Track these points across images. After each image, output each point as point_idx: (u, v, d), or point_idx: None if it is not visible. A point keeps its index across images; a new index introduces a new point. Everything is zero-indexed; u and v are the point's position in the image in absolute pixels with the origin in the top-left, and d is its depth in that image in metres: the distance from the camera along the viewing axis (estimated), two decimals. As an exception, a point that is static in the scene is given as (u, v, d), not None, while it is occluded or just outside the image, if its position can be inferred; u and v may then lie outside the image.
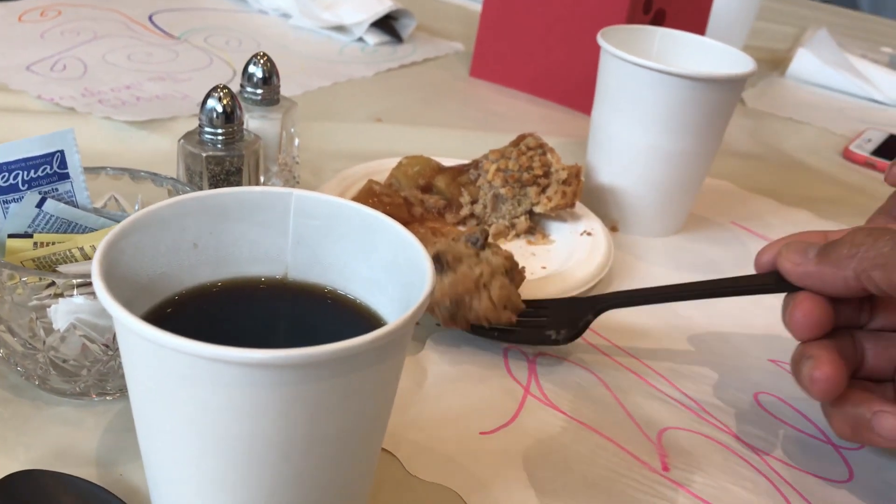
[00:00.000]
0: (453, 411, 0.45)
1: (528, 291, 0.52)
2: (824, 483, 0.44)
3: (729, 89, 0.60)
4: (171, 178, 0.47)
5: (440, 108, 0.85)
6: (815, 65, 1.08)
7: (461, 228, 0.61)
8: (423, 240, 0.40)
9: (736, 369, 0.52)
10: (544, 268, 0.58)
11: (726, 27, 1.02)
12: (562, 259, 0.59)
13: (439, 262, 0.47)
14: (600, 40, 0.62)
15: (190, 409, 0.27)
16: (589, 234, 0.60)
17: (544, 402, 0.46)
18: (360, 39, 0.99)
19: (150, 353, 0.27)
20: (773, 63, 1.14)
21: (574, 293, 0.54)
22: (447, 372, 0.47)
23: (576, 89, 0.86)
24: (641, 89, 0.60)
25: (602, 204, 0.65)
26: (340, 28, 0.99)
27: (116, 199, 0.47)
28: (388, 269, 0.34)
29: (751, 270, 0.58)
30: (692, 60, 0.66)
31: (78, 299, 0.38)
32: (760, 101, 1.00)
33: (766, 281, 0.46)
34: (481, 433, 0.43)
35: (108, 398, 0.42)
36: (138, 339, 0.27)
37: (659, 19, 0.87)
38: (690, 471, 0.43)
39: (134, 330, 0.26)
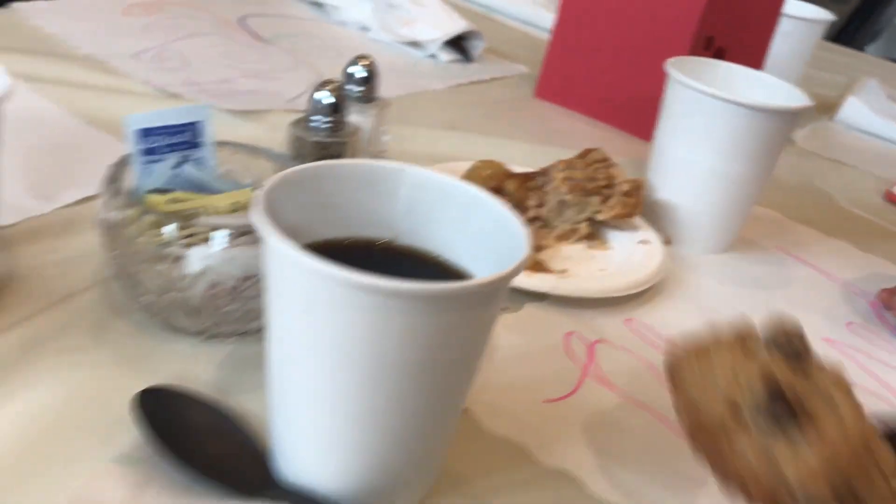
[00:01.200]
0: (520, 380, 0.50)
1: (587, 291, 0.57)
2: None
3: (784, 120, 0.65)
4: (283, 155, 0.53)
5: (507, 122, 0.91)
6: (863, 112, 1.13)
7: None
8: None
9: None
10: (602, 270, 0.64)
11: (779, 71, 1.06)
12: (619, 263, 0.64)
13: (782, 406, 0.28)
14: (669, 69, 0.68)
15: (329, 328, 0.33)
16: (646, 243, 0.66)
17: (602, 381, 0.51)
18: (433, 56, 1.05)
19: (304, 279, 0.32)
20: (823, 108, 1.19)
21: (628, 293, 0.59)
22: (515, 348, 0.52)
23: (635, 115, 0.92)
24: (704, 115, 0.65)
25: (658, 219, 0.70)
26: (415, 44, 1.05)
27: (233, 171, 0.53)
28: (487, 241, 0.39)
29: (791, 292, 0.63)
30: (750, 93, 0.71)
31: (210, 247, 0.44)
32: (809, 142, 1.05)
33: None
34: (544, 401, 0.49)
35: (221, 340, 0.47)
36: (297, 267, 0.32)
37: (718, 56, 0.92)
38: (731, 451, 0.48)
39: (296, 259, 0.32)
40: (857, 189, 0.94)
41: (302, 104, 0.61)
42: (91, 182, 0.59)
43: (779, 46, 1.07)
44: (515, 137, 0.86)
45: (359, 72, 0.62)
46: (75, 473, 0.37)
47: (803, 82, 1.18)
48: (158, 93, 0.77)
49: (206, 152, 0.49)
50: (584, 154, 0.68)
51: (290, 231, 0.39)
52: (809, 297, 0.67)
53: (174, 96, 0.76)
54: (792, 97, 0.69)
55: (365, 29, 1.09)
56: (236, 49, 0.93)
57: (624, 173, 0.67)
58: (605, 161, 0.67)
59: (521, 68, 1.10)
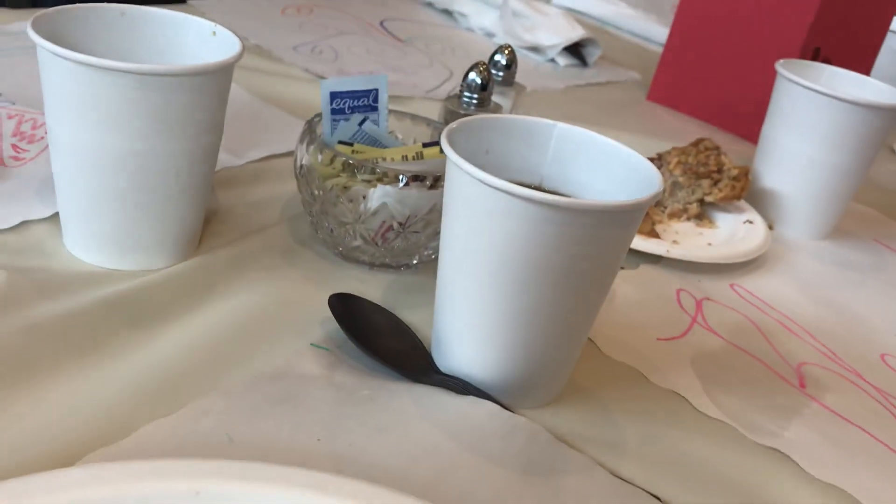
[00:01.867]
0: (637, 322, 0.58)
1: (697, 256, 0.64)
2: (934, 419, 0.54)
3: (882, 117, 0.71)
4: (439, 122, 0.62)
5: (620, 118, 0.99)
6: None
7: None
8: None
9: (865, 335, 0.62)
10: (710, 244, 0.71)
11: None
12: (724, 238, 0.71)
13: None
14: (779, 67, 0.75)
15: (498, 235, 0.41)
16: (751, 222, 0.72)
17: (707, 328, 0.59)
18: (552, 60, 1.14)
19: (479, 192, 0.41)
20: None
21: (733, 261, 0.66)
22: (631, 297, 0.60)
23: (741, 118, 0.98)
24: (810, 110, 0.72)
25: (763, 205, 0.77)
26: (536, 49, 1.15)
27: (396, 134, 0.63)
28: (622, 182, 0.47)
29: (885, 276, 0.68)
30: (853, 92, 0.77)
31: (388, 188, 0.53)
32: (911, 153, 1.09)
33: None
34: (658, 339, 0.56)
35: (387, 269, 0.57)
36: (474, 183, 0.41)
37: (825, 66, 0.98)
38: (822, 392, 0.54)
39: (473, 174, 0.41)
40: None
41: (438, 95, 0.70)
42: (269, 144, 0.70)
43: (887, 62, 1.11)
44: (628, 130, 0.94)
45: (502, 59, 0.71)
46: (278, 354, 0.47)
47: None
48: (316, 79, 0.88)
49: (381, 114, 0.59)
50: (697, 143, 0.75)
51: (462, 169, 0.48)
52: (903, 281, 0.73)
53: (331, 82, 0.87)
54: (891, 96, 0.75)
55: (490, 35, 1.19)
56: (378, 47, 1.04)
57: (731, 161, 0.74)
58: (716, 149, 0.74)
59: (634, 75, 1.17)
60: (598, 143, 0.49)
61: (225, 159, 0.66)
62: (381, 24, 1.14)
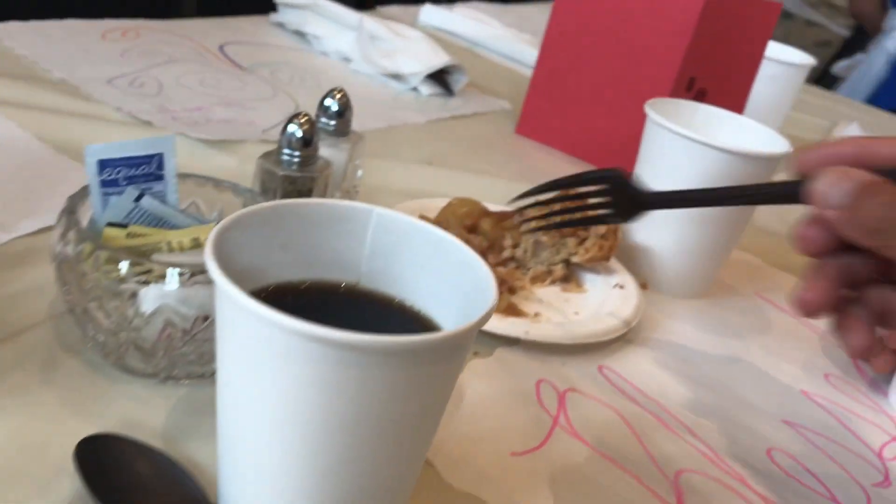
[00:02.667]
0: (487, 431, 0.48)
1: (560, 337, 0.55)
2: (828, 536, 0.46)
3: (762, 166, 0.64)
4: (250, 190, 0.51)
5: (486, 158, 0.90)
6: (844, 157, 1.12)
7: (500, 269, 0.65)
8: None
9: (751, 425, 0.55)
10: (577, 313, 0.62)
11: (763, 113, 1.06)
12: (595, 307, 0.63)
13: None
14: (648, 110, 0.67)
15: (279, 379, 0.31)
16: (621, 287, 0.64)
17: (571, 433, 0.50)
18: (415, 89, 1.04)
19: (252, 327, 0.31)
20: (804, 152, 1.18)
21: (603, 339, 0.58)
22: (483, 396, 0.51)
23: (614, 154, 0.91)
24: (682, 158, 0.64)
25: (635, 262, 0.69)
26: (397, 76, 1.05)
27: (197, 205, 0.51)
28: (452, 286, 0.38)
29: (769, 340, 0.61)
30: (731, 136, 0.70)
31: (167, 286, 0.42)
32: (789, 186, 1.04)
33: (794, 192, 0.41)
34: (512, 454, 0.47)
35: (174, 382, 0.45)
36: (244, 314, 0.31)
37: (700, 97, 0.92)
38: (704, 510, 0.46)
39: (243, 305, 0.30)
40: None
41: (277, 135, 0.60)
42: (54, 212, 0.57)
43: (763, 89, 1.07)
44: (494, 174, 0.85)
45: (333, 105, 0.61)
46: (9, 524, 0.35)
47: (787, 125, 1.18)
48: (130, 119, 0.75)
49: (168, 186, 0.48)
50: None
51: (247, 273, 0.37)
52: (788, 346, 0.66)
53: (145, 123, 0.75)
54: (772, 143, 0.68)
55: (347, 60, 1.08)
56: (214, 76, 0.92)
57: None
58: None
59: (504, 104, 1.09)
60: (423, 235, 0.39)
61: (-17, 235, 0.53)
62: (221, 48, 1.01)
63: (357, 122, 0.88)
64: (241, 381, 0.33)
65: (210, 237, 0.33)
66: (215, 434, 0.36)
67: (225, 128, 0.78)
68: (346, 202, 0.39)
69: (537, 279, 0.65)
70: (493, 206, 0.68)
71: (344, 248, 0.40)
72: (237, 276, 0.35)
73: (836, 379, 0.63)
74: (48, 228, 0.56)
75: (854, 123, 1.21)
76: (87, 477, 0.36)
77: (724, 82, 0.95)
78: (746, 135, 0.70)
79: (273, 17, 1.17)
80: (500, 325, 0.55)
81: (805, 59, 1.12)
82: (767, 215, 0.92)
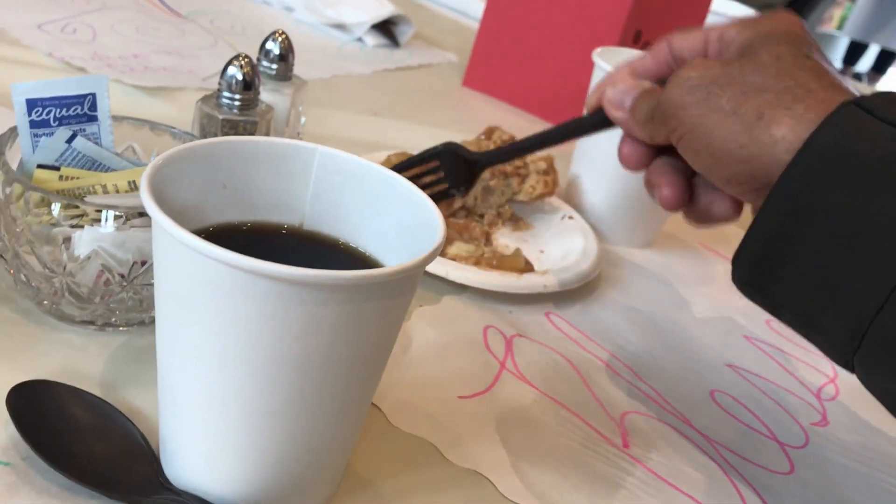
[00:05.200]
0: (435, 376, 0.48)
1: (507, 286, 0.55)
2: (767, 473, 0.47)
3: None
4: (189, 133, 0.49)
5: (433, 110, 0.88)
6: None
7: (455, 220, 0.65)
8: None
9: (694, 368, 0.56)
10: (542, 251, 0.63)
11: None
12: (556, 242, 0.64)
13: None
14: (595, 57, 0.66)
15: (222, 318, 0.30)
16: (571, 217, 0.65)
17: (518, 376, 0.50)
18: (360, 39, 1.02)
19: (192, 264, 0.30)
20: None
21: (581, 284, 0.58)
22: (431, 342, 0.50)
23: (561, 106, 0.90)
24: (629, 106, 0.64)
25: (583, 212, 0.69)
26: (341, 26, 1.02)
27: (134, 149, 0.49)
28: (399, 227, 0.37)
29: (712, 289, 0.62)
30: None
31: (101, 228, 0.40)
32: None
33: (598, 120, 0.50)
34: (459, 397, 0.47)
35: (113, 329, 0.44)
36: (184, 251, 0.30)
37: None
38: (648, 450, 0.47)
39: (182, 240, 0.29)
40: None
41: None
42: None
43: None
44: (440, 126, 0.84)
45: (274, 48, 0.59)
46: (-61, 474, 0.34)
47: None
48: (62, 66, 0.72)
49: (102, 127, 0.46)
50: (489, 134, 0.67)
51: (186, 212, 0.36)
52: (730, 294, 0.67)
53: (79, 70, 0.72)
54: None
55: (289, 9, 1.05)
56: (151, 24, 0.89)
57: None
58: (511, 139, 0.66)
59: (451, 56, 1.07)
60: (369, 173, 0.38)
61: None
62: (159, -5, 0.98)
63: (300, 71, 0.87)
64: (180, 321, 0.32)
65: (145, 173, 0.32)
66: (156, 381, 0.35)
67: (163, 75, 0.76)
68: (289, 140, 0.38)
69: (492, 224, 0.65)
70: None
71: (287, 188, 0.38)
72: (175, 215, 0.34)
73: (777, 324, 0.64)
74: (-24, 175, 0.53)
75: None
76: (20, 423, 0.35)
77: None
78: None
79: (213, -36, 1.13)
80: (446, 270, 0.55)
81: (750, 14, 1.12)
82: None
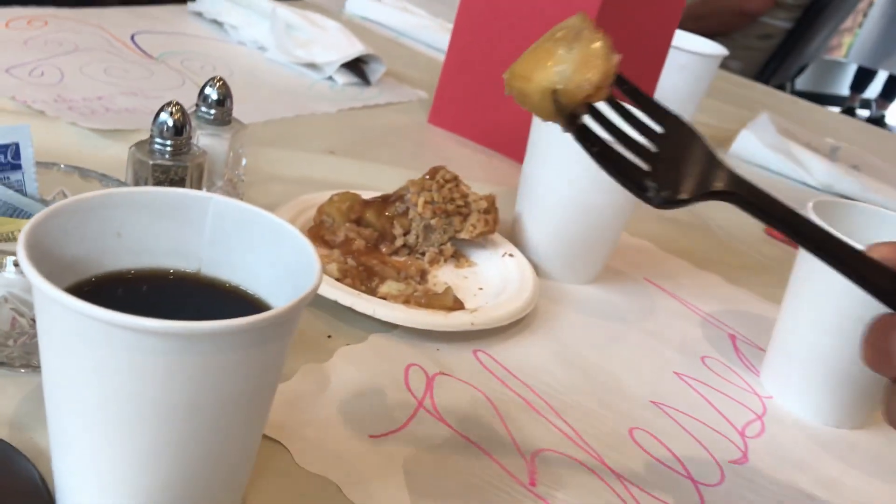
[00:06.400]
0: (349, 414, 0.49)
1: (432, 324, 0.57)
2: (676, 511, 0.48)
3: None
4: (118, 180, 0.51)
5: (394, 148, 0.90)
6: (755, 146, 1.15)
7: (396, 258, 0.66)
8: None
9: (618, 406, 0.56)
10: (481, 289, 0.64)
11: (674, 101, 1.08)
12: (495, 279, 0.66)
13: None
14: (534, 99, 0.68)
15: (89, 369, 0.31)
16: (511, 255, 0.66)
17: (434, 415, 0.51)
18: (330, 78, 1.05)
19: (55, 314, 0.31)
20: (718, 140, 1.21)
21: (510, 321, 0.59)
22: (349, 380, 0.52)
23: (517, 142, 0.92)
24: (564, 145, 0.66)
25: (525, 248, 0.70)
26: (312, 65, 1.05)
27: (65, 194, 0.51)
28: (286, 272, 0.38)
29: (651, 324, 0.63)
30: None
31: (11, 274, 0.42)
32: (699, 174, 1.06)
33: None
34: (370, 436, 0.48)
35: (30, 370, 0.45)
36: (50, 302, 0.31)
37: (606, 87, 0.93)
38: (555, 488, 0.47)
39: (46, 293, 0.31)
40: (738, 222, 0.95)
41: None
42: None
43: (674, 79, 1.09)
44: (397, 164, 0.85)
45: (212, 94, 0.61)
46: None
47: (701, 114, 1.21)
48: (23, 109, 0.75)
49: (25, 175, 0.48)
50: (433, 173, 0.68)
51: (78, 262, 0.37)
52: (670, 330, 0.68)
53: (38, 113, 0.74)
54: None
55: (262, 49, 1.08)
56: (121, 66, 0.91)
57: (471, 191, 0.68)
58: (454, 179, 0.67)
59: (422, 94, 1.09)
60: (261, 221, 0.40)
61: None
62: (132, 37, 1.01)
63: (264, 110, 0.89)
64: (54, 369, 0.33)
65: (25, 228, 0.34)
66: None
67: (123, 117, 0.78)
68: (183, 190, 0.40)
69: (434, 262, 0.66)
70: (367, 194, 0.69)
71: (183, 236, 0.40)
72: (64, 265, 0.36)
73: (712, 361, 0.65)
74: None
75: (764, 113, 1.24)
76: (-84, 465, 0.37)
77: (630, 71, 0.96)
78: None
79: (191, 6, 1.16)
80: (373, 309, 0.56)
81: (717, 50, 1.14)
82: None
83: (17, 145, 0.47)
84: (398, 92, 1.08)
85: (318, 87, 1.02)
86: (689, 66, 1.10)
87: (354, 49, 1.06)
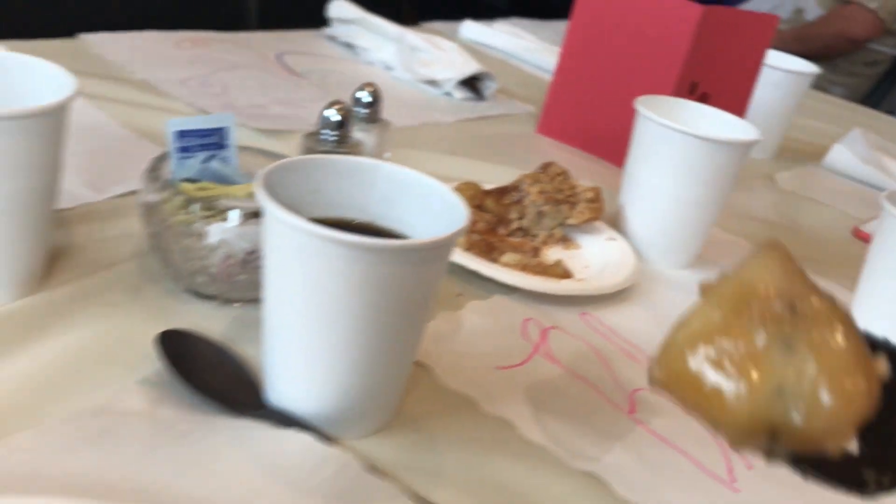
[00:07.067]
0: (479, 351, 0.59)
1: (547, 287, 0.67)
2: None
3: (731, 151, 0.75)
4: (295, 161, 0.63)
5: (506, 152, 1.01)
6: (848, 159, 1.21)
7: (512, 239, 0.77)
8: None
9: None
10: (587, 266, 0.74)
11: (766, 118, 1.16)
12: (599, 259, 0.75)
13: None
14: (637, 105, 0.78)
15: (306, 276, 0.43)
16: (613, 239, 0.76)
17: (548, 358, 0.61)
18: (448, 94, 1.17)
19: (286, 233, 0.43)
20: (811, 155, 1.27)
21: (581, 294, 0.69)
22: (477, 326, 0.62)
23: (618, 149, 1.02)
24: (664, 145, 0.75)
25: (626, 236, 0.80)
26: (433, 82, 1.17)
27: (252, 172, 0.64)
28: (441, 220, 0.49)
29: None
30: (713, 129, 0.81)
31: (228, 223, 0.54)
32: (791, 183, 1.14)
33: None
34: (497, 367, 0.58)
35: (230, 305, 0.58)
36: (281, 225, 0.43)
37: (703, 101, 1.02)
38: (651, 416, 0.57)
39: (278, 215, 0.42)
40: (827, 225, 1.02)
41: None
42: (135, 181, 0.71)
43: (767, 95, 1.16)
44: (510, 164, 0.96)
45: (364, 96, 0.73)
46: (105, 391, 0.48)
47: (793, 130, 1.28)
48: (199, 113, 0.89)
49: (229, 153, 0.60)
50: (545, 168, 0.78)
51: (288, 207, 0.49)
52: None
53: (212, 116, 0.88)
54: (748, 132, 0.78)
55: (389, 68, 1.21)
56: (271, 81, 1.05)
57: (579, 183, 0.78)
58: (563, 173, 0.78)
59: (529, 108, 1.20)
60: (420, 183, 0.51)
61: (84, 194, 0.67)
62: (278, 57, 1.15)
63: (394, 120, 1.01)
64: (278, 277, 0.45)
65: (260, 173, 0.46)
66: (259, 342, 0.48)
67: (280, 121, 0.91)
68: (361, 158, 0.52)
69: (544, 243, 0.77)
70: (488, 185, 0.80)
71: (361, 194, 0.52)
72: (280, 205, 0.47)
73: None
74: (132, 192, 0.69)
75: (856, 129, 1.30)
76: (165, 357, 0.49)
77: (725, 87, 1.05)
78: (725, 127, 0.81)
79: (326, 30, 1.31)
80: (495, 272, 0.67)
81: (808, 68, 1.21)
82: (759, 207, 1.02)
83: (225, 129, 0.60)
84: (508, 106, 1.19)
85: (438, 101, 1.15)
86: (781, 83, 1.17)
87: (470, 67, 1.18)
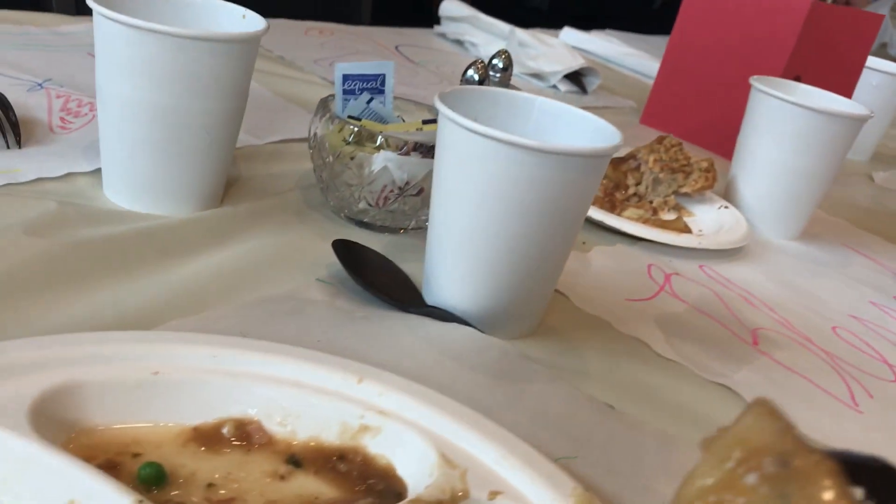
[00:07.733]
0: (609, 285, 0.64)
1: (671, 239, 0.71)
2: (873, 378, 0.60)
3: (843, 124, 0.78)
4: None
5: (614, 137, 1.06)
6: (946, 163, 1.23)
7: (628, 204, 0.81)
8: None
9: (822, 312, 0.69)
10: (701, 230, 0.78)
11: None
12: (713, 224, 0.79)
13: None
14: (753, 80, 0.82)
15: (477, 176, 0.48)
16: (726, 207, 0.80)
17: (673, 296, 0.65)
18: (554, 86, 1.22)
19: (460, 137, 0.48)
20: (908, 158, 1.29)
21: (702, 248, 0.73)
22: (605, 266, 0.67)
23: (723, 138, 1.06)
24: (778, 118, 0.79)
25: (739, 207, 0.84)
26: (539, 75, 1.23)
27: (402, 117, 0.70)
28: (591, 141, 0.55)
29: (849, 270, 0.74)
30: (820, 103, 0.84)
31: (389, 153, 0.60)
32: (889, 181, 1.16)
33: None
34: (627, 299, 0.63)
35: (384, 232, 0.64)
36: (458, 129, 0.48)
37: (805, 93, 1.05)
38: (774, 349, 0.60)
39: (459, 122, 0.48)
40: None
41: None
42: (287, 131, 0.78)
43: (866, 97, 1.19)
44: (620, 145, 1.01)
45: (499, 62, 0.79)
46: (287, 284, 0.54)
47: (893, 128, 1.30)
48: (332, 86, 0.96)
49: (387, 96, 0.67)
50: (660, 140, 0.83)
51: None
52: (864, 275, 0.79)
53: (346, 88, 0.95)
54: (854, 108, 0.82)
55: (497, 62, 1.27)
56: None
57: (691, 154, 0.82)
58: (679, 145, 0.82)
59: (630, 103, 1.25)
60: (572, 113, 0.56)
61: (246, 139, 0.74)
62: (397, 48, 1.23)
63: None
64: (450, 180, 0.50)
65: (440, 93, 0.52)
66: (414, 262, 0.54)
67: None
68: (519, 92, 0.57)
69: (660, 208, 0.81)
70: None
71: (516, 123, 0.57)
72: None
73: (903, 301, 0.76)
74: (285, 141, 0.76)
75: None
76: (340, 259, 0.55)
77: (827, 82, 1.08)
78: (835, 104, 0.84)
79: (437, 28, 1.38)
80: (622, 224, 0.71)
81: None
82: (862, 197, 1.05)
83: (384, 76, 0.66)
84: (611, 100, 1.24)
85: (544, 92, 1.20)
86: (881, 85, 1.20)
87: (575, 62, 1.23)
